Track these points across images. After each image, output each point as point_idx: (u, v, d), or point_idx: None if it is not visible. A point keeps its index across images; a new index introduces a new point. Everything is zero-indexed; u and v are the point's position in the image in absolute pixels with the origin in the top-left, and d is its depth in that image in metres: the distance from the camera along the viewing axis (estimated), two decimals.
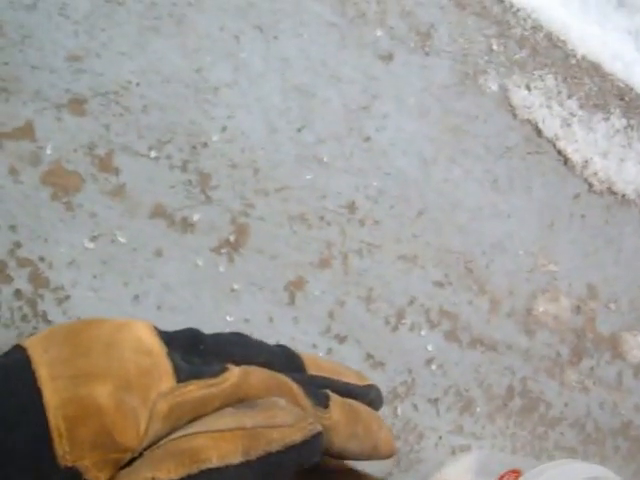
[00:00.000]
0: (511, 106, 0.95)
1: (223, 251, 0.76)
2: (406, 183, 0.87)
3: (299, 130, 0.80)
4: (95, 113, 0.70)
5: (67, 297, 0.68)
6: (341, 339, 0.83)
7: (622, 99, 1.04)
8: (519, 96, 0.96)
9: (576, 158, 1.00)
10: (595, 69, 1.03)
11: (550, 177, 0.99)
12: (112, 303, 0.70)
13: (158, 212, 0.73)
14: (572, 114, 1.00)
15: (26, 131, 0.67)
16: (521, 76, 0.96)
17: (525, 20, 0.97)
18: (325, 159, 0.82)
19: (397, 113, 0.87)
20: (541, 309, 0.98)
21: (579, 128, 1.01)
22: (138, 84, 0.72)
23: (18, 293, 0.66)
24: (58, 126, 0.68)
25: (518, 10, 0.96)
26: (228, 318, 0.76)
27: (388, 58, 0.86)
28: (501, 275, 0.95)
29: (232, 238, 0.77)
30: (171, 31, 0.74)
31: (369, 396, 0.48)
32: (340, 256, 0.83)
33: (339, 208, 0.83)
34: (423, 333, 0.89)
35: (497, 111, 0.95)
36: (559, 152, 0.99)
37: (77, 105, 0.69)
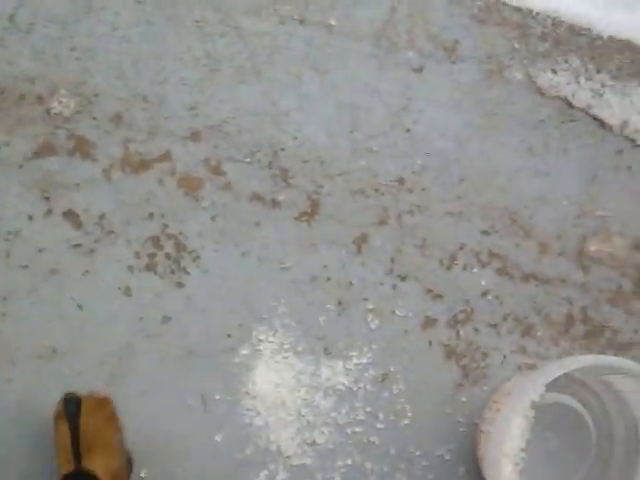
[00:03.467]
0: (538, 88, 1.19)
1: (303, 219, 1.12)
2: (446, 159, 1.16)
3: (351, 132, 1.15)
4: (207, 139, 1.12)
5: (198, 257, 1.09)
6: (402, 278, 1.13)
7: None
8: (545, 78, 1.19)
9: (613, 121, 1.19)
10: (625, 45, 1.22)
11: (587, 139, 1.19)
12: (226, 259, 1.09)
13: (254, 197, 1.11)
14: (603, 85, 1.20)
15: (166, 156, 1.10)
16: (545, 63, 1.20)
17: (545, 20, 1.21)
18: (374, 148, 1.14)
19: (432, 108, 1.17)
20: (593, 248, 1.17)
21: (612, 95, 1.20)
22: (234, 117, 1.13)
23: (168, 255, 1.08)
24: (185, 150, 1.11)
25: (537, 14, 1.21)
26: (310, 265, 1.11)
27: (419, 70, 1.17)
28: (546, 222, 1.16)
29: (309, 210, 1.12)
30: (253, 80, 1.14)
31: None
32: (395, 216, 1.14)
33: (390, 182, 1.14)
34: (475, 271, 1.14)
35: (525, 94, 1.19)
36: (594, 118, 1.20)
37: (195, 136, 1.11)
